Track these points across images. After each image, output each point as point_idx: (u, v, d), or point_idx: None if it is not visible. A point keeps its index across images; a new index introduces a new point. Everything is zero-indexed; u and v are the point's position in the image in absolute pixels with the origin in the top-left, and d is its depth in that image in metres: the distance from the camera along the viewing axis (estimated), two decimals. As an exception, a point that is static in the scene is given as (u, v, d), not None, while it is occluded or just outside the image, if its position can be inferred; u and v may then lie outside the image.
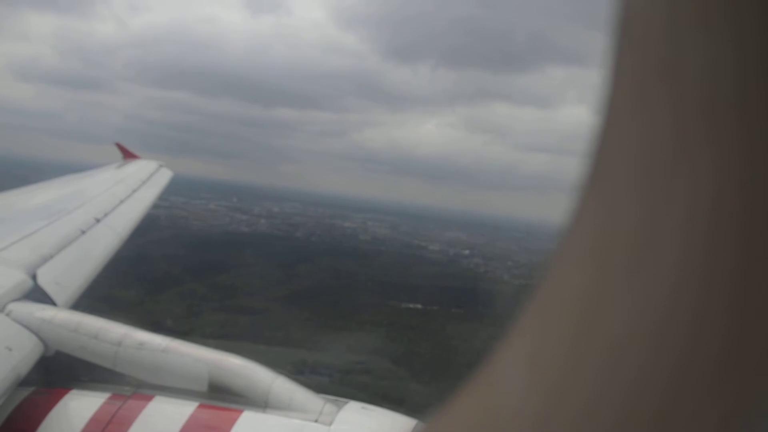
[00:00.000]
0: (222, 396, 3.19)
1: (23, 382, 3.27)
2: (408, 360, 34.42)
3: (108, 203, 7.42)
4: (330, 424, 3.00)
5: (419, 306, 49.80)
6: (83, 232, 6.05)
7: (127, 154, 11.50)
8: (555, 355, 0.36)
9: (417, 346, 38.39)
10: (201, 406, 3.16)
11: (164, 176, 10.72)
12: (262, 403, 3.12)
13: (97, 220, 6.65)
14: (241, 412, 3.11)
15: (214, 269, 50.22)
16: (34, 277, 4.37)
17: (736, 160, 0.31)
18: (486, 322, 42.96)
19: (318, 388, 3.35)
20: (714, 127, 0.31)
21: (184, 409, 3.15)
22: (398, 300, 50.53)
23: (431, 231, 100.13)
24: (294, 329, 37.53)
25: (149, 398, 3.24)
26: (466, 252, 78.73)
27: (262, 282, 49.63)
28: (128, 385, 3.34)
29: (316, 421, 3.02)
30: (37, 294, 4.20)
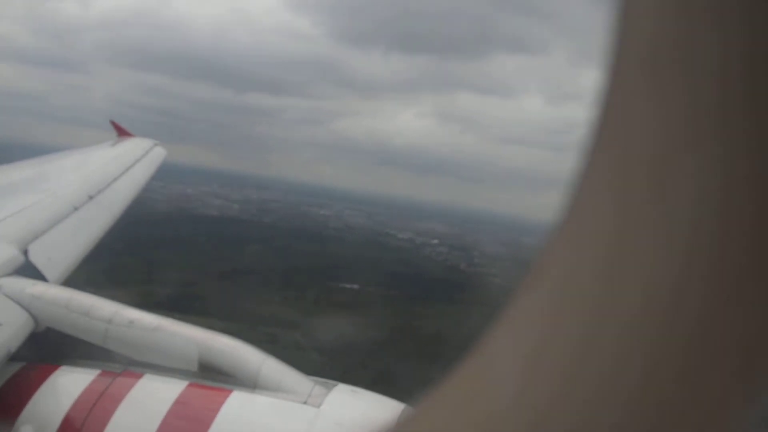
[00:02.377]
0: (212, 375, 3.21)
1: (13, 358, 3.27)
2: (319, 333, 35.56)
3: (102, 180, 7.39)
4: (319, 405, 3.02)
5: (356, 286, 51.30)
6: (76, 209, 6.03)
7: (122, 132, 11.42)
8: (532, 343, 0.36)
9: (334, 321, 39.54)
10: (190, 385, 3.18)
11: (158, 155, 10.65)
12: (251, 383, 3.14)
13: (90, 197, 6.62)
14: (230, 392, 3.12)
15: (155, 246, 50.12)
16: (25, 253, 4.35)
17: (743, 152, 0.31)
18: (416, 303, 47.04)
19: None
20: (723, 117, 0.31)
21: (173, 388, 3.16)
22: (337, 280, 52.01)
23: (408, 221, 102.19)
24: (213, 301, 38.17)
25: (139, 376, 3.25)
26: (435, 241, 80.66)
27: (201, 259, 50.16)
28: (118, 363, 3.35)
29: (305, 402, 3.04)
30: (28, 270, 4.18)
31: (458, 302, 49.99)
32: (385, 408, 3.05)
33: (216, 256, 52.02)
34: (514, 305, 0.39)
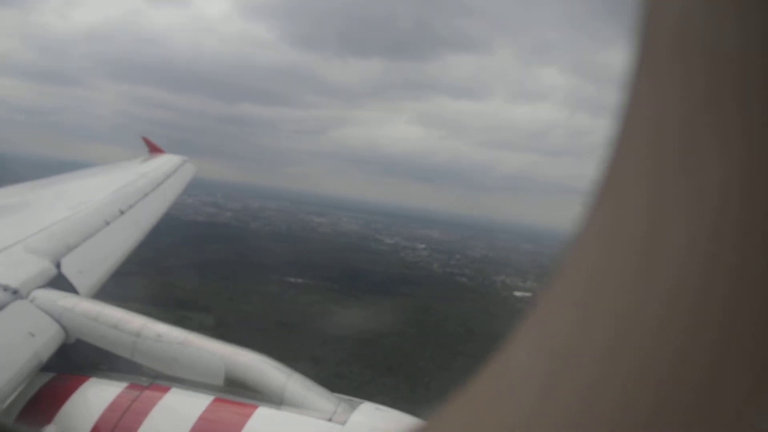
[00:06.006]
0: (237, 391, 3.22)
1: (44, 368, 3.33)
2: (234, 318, 38.23)
3: (133, 196, 7.52)
4: (344, 423, 3.01)
5: (299, 280, 53.69)
6: (107, 224, 6.14)
7: (153, 148, 11.64)
8: (557, 348, 0.36)
9: (258, 309, 42.30)
10: (216, 399, 3.19)
11: (188, 171, 10.85)
12: (277, 399, 3.14)
13: (122, 212, 6.73)
14: (255, 407, 3.12)
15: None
16: (58, 266, 4.44)
17: (739, 153, 0.31)
18: (351, 295, 50.13)
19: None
20: (719, 117, 0.31)
21: (199, 402, 3.17)
22: (286, 275, 54.16)
23: (406, 229, 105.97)
24: (141, 289, 40.20)
25: (166, 389, 3.27)
26: (421, 246, 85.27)
27: (155, 255, 51.96)
28: (145, 376, 3.38)
29: (329, 419, 3.03)
30: (60, 282, 4.26)
31: (402, 296, 51.84)
32: (409, 426, 3.02)
33: (172, 253, 53.29)
34: (537, 308, 0.38)
